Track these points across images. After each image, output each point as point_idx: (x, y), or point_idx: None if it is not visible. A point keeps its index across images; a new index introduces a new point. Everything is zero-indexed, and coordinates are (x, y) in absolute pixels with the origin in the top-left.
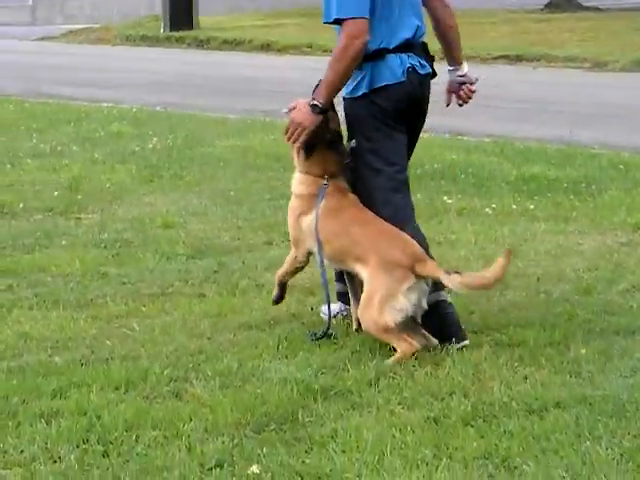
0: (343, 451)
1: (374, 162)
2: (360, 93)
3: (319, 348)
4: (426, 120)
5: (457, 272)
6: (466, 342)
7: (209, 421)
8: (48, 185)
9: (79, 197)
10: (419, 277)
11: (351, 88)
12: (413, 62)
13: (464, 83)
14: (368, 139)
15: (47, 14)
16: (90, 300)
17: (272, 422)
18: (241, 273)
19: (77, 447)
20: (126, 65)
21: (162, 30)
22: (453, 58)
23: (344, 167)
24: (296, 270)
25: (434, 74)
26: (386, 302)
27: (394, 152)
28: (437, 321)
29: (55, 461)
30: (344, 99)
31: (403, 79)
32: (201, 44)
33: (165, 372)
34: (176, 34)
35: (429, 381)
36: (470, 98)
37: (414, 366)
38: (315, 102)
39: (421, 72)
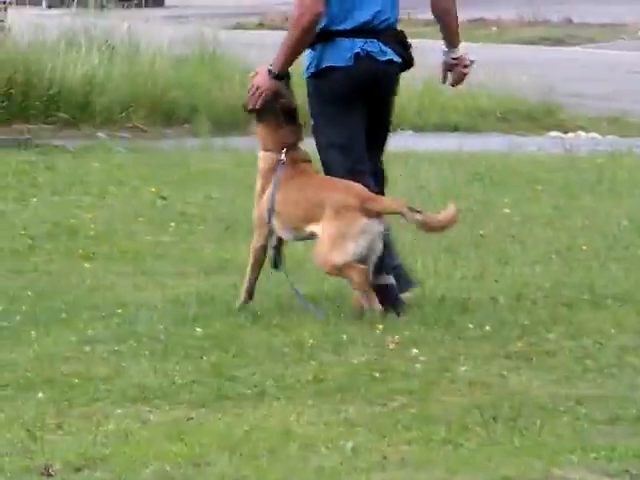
0: None
1: (322, 142)
2: (309, 73)
3: None
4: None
5: (419, 211)
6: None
7: None
8: None
9: None
10: (371, 215)
11: (305, 68)
12: (369, 48)
13: (457, 65)
14: (318, 118)
15: None
16: None
17: None
18: None
19: None
20: None
21: None
22: (448, 41)
23: (299, 139)
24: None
25: (407, 64)
26: (335, 241)
27: (345, 134)
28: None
29: None
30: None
31: (350, 63)
32: None
33: None
34: None
35: None
36: (461, 80)
37: None
38: (270, 67)
39: (380, 59)
